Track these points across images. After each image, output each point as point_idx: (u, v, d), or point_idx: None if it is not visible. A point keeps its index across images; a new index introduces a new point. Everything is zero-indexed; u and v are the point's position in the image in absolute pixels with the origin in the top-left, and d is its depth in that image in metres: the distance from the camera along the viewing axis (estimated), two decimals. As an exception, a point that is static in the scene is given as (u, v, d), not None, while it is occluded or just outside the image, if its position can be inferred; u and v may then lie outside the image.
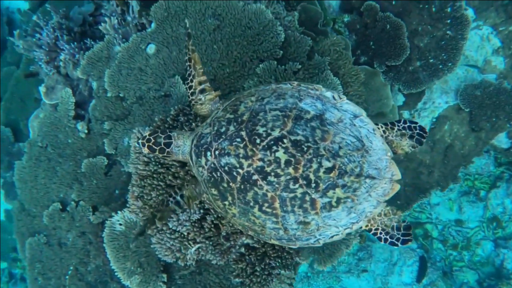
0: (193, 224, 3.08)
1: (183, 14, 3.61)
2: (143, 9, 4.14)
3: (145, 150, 2.64)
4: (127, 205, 3.36)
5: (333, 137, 2.28)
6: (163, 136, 2.63)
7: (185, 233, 3.12)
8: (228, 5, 3.51)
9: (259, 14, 3.46)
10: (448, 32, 4.40)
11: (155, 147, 2.62)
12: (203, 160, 2.43)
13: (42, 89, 4.17)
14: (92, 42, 4.13)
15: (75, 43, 4.05)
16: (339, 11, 4.78)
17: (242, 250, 3.19)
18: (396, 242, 2.55)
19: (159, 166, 3.12)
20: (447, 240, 6.24)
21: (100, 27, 4.00)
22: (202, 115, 2.77)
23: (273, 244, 3.16)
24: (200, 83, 2.68)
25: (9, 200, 5.57)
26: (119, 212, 3.41)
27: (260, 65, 3.44)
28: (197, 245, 3.13)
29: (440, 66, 4.41)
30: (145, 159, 3.17)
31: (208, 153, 2.39)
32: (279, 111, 2.34)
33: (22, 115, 5.61)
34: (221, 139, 2.35)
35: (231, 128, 2.36)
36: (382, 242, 2.57)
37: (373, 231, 2.57)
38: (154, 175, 3.12)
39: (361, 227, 2.49)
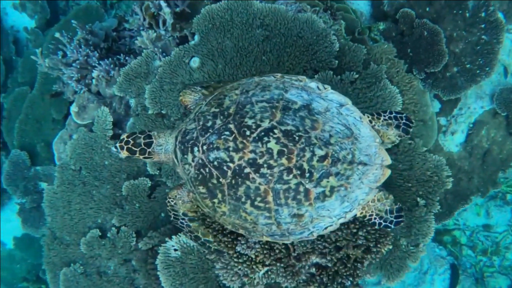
0: (262, 246, 2.90)
1: (229, 26, 3.47)
2: (176, 22, 4.01)
3: (124, 154, 2.52)
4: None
5: (323, 125, 2.27)
6: (142, 136, 2.54)
7: (253, 256, 2.93)
8: (277, 14, 3.40)
9: (311, 23, 3.35)
10: (483, 36, 4.38)
11: (135, 149, 2.52)
12: (189, 157, 2.34)
13: (73, 109, 3.94)
14: (127, 58, 3.94)
15: (110, 59, 3.85)
16: (370, 18, 4.72)
17: (313, 270, 3.01)
18: (390, 225, 2.60)
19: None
20: (476, 246, 6.17)
21: (136, 41, 3.83)
22: (184, 102, 2.73)
23: (343, 261, 3.01)
24: (207, 87, 2.72)
25: (27, 228, 5.23)
26: (173, 236, 3.19)
27: (315, 76, 3.32)
28: (266, 268, 2.95)
29: (478, 71, 4.38)
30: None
31: (195, 149, 2.31)
32: (266, 102, 2.30)
33: (38, 138, 5.32)
34: (208, 133, 2.28)
35: (218, 121, 2.30)
36: (377, 227, 2.62)
37: (367, 217, 2.57)
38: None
39: (355, 215, 2.49)
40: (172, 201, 2.69)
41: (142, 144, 2.53)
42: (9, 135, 5.67)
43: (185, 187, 2.59)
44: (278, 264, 2.92)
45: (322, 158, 2.22)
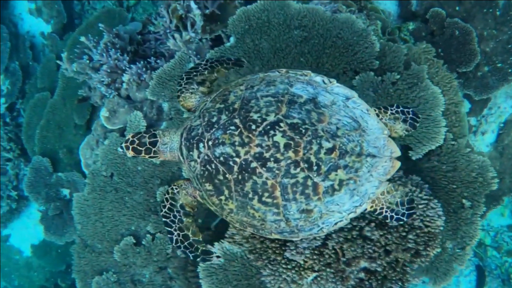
0: (312, 251, 2.83)
1: (266, 27, 3.41)
2: (206, 24, 3.96)
3: (130, 154, 2.50)
4: (226, 235, 3.10)
5: (329, 118, 2.23)
6: (147, 135, 2.51)
7: (302, 262, 2.86)
8: (315, 15, 3.34)
9: (351, 24, 3.30)
10: (514, 35, 4.34)
11: (140, 148, 2.49)
12: (195, 153, 2.29)
13: (104, 114, 3.87)
14: (158, 61, 3.88)
15: (142, 62, 3.78)
16: (397, 19, 4.68)
17: (361, 275, 2.94)
18: (402, 217, 2.49)
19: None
20: (501, 246, 6.11)
21: (168, 44, 3.76)
22: (187, 107, 2.63)
23: (392, 265, 2.94)
24: (203, 81, 2.65)
25: (50, 235, 5.14)
26: (215, 243, 3.12)
27: (357, 77, 3.26)
28: (315, 274, 2.88)
29: (510, 70, 4.33)
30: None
31: (201, 145, 2.26)
32: (271, 97, 2.26)
33: (60, 143, 5.24)
34: (214, 129, 2.24)
35: (223, 117, 2.26)
36: (388, 220, 2.50)
37: (378, 211, 2.47)
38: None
39: (365, 209, 2.39)
40: (176, 189, 2.58)
41: (147, 143, 2.50)
42: (28, 141, 5.59)
43: (191, 183, 2.54)
44: (327, 269, 2.86)
45: (330, 151, 2.16)
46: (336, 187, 2.21)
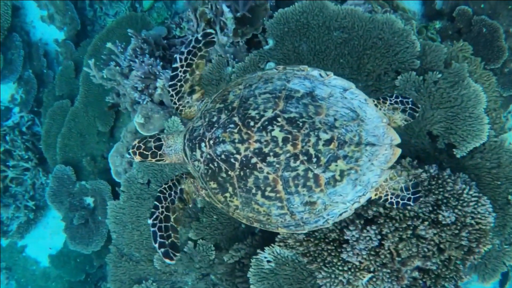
0: (368, 252, 2.82)
1: (305, 29, 3.40)
2: (238, 27, 3.95)
3: (137, 158, 2.55)
4: (277, 239, 3.08)
5: (327, 110, 2.23)
6: (152, 140, 2.57)
7: (357, 263, 2.85)
8: (354, 16, 3.34)
9: (391, 24, 3.30)
10: (539, 31, 4.39)
11: (147, 153, 2.54)
12: (198, 153, 2.33)
13: (138, 120, 3.82)
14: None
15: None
16: (421, 18, 4.70)
17: (416, 274, 2.94)
18: (408, 202, 2.48)
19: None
20: (522, 240, 6.17)
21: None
22: (192, 117, 2.65)
23: (445, 263, 2.95)
24: (191, 87, 2.61)
25: (75, 245, 5.06)
26: (266, 248, 3.10)
27: (399, 77, 3.27)
28: (370, 275, 2.87)
29: (536, 66, 4.39)
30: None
31: (203, 144, 2.30)
32: (269, 93, 2.28)
33: (82, 151, 5.17)
34: (214, 128, 2.28)
35: (223, 116, 2.29)
36: (395, 206, 2.50)
37: (383, 198, 2.49)
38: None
39: (370, 198, 2.38)
40: (184, 176, 2.60)
41: (153, 148, 2.55)
42: (48, 150, 5.51)
43: (198, 182, 2.53)
44: (383, 269, 2.85)
45: (328, 142, 2.17)
46: (338, 177, 2.22)
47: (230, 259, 3.34)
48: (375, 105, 2.46)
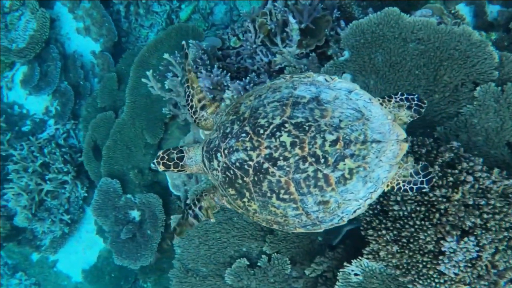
0: (465, 263, 2.78)
1: (380, 40, 3.41)
2: (302, 38, 3.95)
3: (161, 168, 2.77)
4: (365, 252, 3.03)
5: (332, 113, 2.33)
6: (175, 151, 2.77)
7: (453, 275, 2.81)
8: (430, 28, 3.35)
9: (468, 36, 3.31)
10: None
11: (169, 163, 2.76)
12: (215, 163, 2.50)
13: (207, 131, 3.76)
14: (262, 76, 3.83)
15: (247, 78, 3.73)
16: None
17: (510, 287, 2.91)
18: (422, 185, 2.53)
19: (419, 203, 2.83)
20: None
21: (276, 58, 3.72)
22: (209, 129, 2.88)
23: None
24: (199, 101, 2.85)
25: (122, 260, 4.95)
26: (353, 261, 3.04)
27: (477, 88, 3.27)
28: (467, 287, 2.83)
29: None
30: (396, 198, 2.88)
31: (219, 154, 2.46)
32: (277, 102, 2.41)
33: (128, 164, 5.10)
34: (228, 139, 2.42)
35: (235, 127, 2.43)
36: (409, 192, 2.54)
37: (396, 188, 2.54)
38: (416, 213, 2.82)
39: (382, 192, 2.47)
40: (204, 194, 2.86)
41: (175, 159, 2.75)
42: (90, 162, 5.43)
43: (218, 192, 2.74)
44: (480, 282, 2.81)
45: (334, 142, 2.26)
46: (347, 176, 2.29)
47: (312, 272, 3.28)
48: (380, 103, 2.53)
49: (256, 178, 2.34)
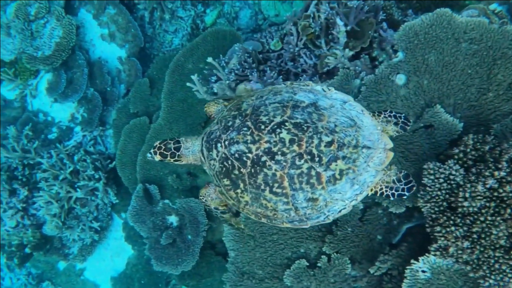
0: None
1: (433, 41, 3.47)
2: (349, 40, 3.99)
3: (158, 158, 2.92)
4: (432, 248, 3.07)
5: (328, 118, 2.54)
6: (172, 142, 2.93)
7: (526, 271, 2.86)
8: (482, 28, 3.42)
9: (520, 35, 3.40)
10: None
11: (166, 153, 2.90)
12: (214, 153, 2.65)
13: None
14: (307, 78, 3.86)
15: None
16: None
17: None
18: (403, 193, 2.77)
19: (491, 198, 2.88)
20: None
21: (328, 60, 3.76)
22: (209, 113, 3.09)
23: None
24: (228, 99, 3.13)
25: (162, 266, 4.91)
26: (421, 258, 3.08)
27: (532, 86, 3.35)
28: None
29: None
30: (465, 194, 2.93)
31: (219, 145, 2.62)
32: (278, 103, 2.61)
33: (165, 169, 5.08)
34: (229, 131, 2.59)
35: (237, 121, 2.61)
36: (391, 198, 2.77)
37: (378, 193, 2.76)
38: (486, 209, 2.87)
39: (366, 196, 2.66)
40: (202, 198, 3.04)
41: (172, 149, 2.89)
42: (123, 169, 5.40)
43: (211, 184, 2.91)
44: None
45: (329, 144, 2.45)
46: (337, 176, 2.48)
47: (377, 271, 3.31)
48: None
49: (252, 170, 2.51)
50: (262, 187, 2.52)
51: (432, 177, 3.09)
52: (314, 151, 2.45)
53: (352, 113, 2.64)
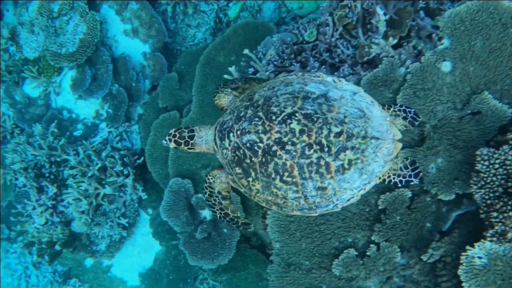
0: None
1: (479, 27, 3.45)
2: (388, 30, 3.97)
3: (172, 145, 2.98)
4: (488, 235, 3.07)
5: (338, 109, 2.58)
6: (186, 130, 2.99)
7: None
8: (528, 13, 3.41)
9: None
10: None
11: (180, 141, 2.97)
12: (226, 142, 2.73)
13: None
14: (349, 69, 3.84)
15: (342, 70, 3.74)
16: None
17: None
18: (411, 179, 2.79)
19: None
20: None
21: (371, 49, 3.74)
22: (221, 105, 3.08)
23: None
24: (237, 87, 3.05)
25: (198, 260, 4.90)
26: (477, 244, 3.08)
27: None
28: None
29: None
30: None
31: (231, 134, 2.69)
32: (289, 94, 2.66)
33: (198, 163, 5.07)
34: (241, 121, 2.66)
35: (249, 111, 2.68)
36: (399, 185, 2.80)
37: (386, 181, 2.80)
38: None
39: (375, 185, 2.71)
40: (211, 179, 3.04)
41: (186, 137, 2.95)
42: (154, 164, 5.39)
43: (224, 170, 2.94)
44: None
45: (338, 134, 2.50)
46: (346, 166, 2.53)
47: (430, 258, 3.31)
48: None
49: (263, 159, 2.57)
50: (273, 176, 2.58)
51: (486, 163, 3.08)
52: (324, 142, 2.50)
53: (362, 104, 2.67)
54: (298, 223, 3.71)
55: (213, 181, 3.04)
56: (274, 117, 2.56)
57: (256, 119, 2.60)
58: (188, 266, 5.96)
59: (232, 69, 4.17)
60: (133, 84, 6.05)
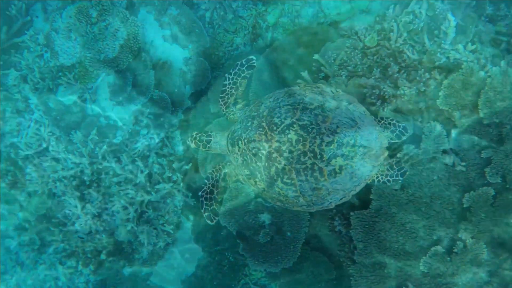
0: None
1: (552, 33, 3.68)
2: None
3: (193, 145, 3.81)
4: None
5: (332, 119, 3.04)
6: (205, 135, 3.72)
7: None
8: None
9: None
10: None
11: (199, 143, 3.75)
12: (236, 148, 3.36)
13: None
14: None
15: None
16: None
17: None
18: (397, 178, 3.36)
19: None
20: None
21: (449, 55, 3.90)
22: (234, 120, 3.72)
23: None
24: (235, 99, 3.79)
25: (260, 264, 4.91)
26: None
27: None
28: None
29: None
30: None
31: (240, 142, 3.31)
32: (290, 105, 3.15)
33: (256, 168, 5.08)
34: (248, 131, 3.23)
35: (255, 122, 3.24)
36: (388, 184, 3.36)
37: (376, 181, 3.33)
38: None
39: (363, 186, 3.24)
40: (228, 164, 3.75)
41: (204, 141, 3.71)
42: (206, 170, 5.35)
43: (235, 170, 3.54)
44: None
45: (330, 143, 2.97)
46: (337, 170, 3.00)
47: (519, 253, 3.48)
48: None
49: (266, 164, 3.10)
50: (275, 178, 3.10)
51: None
52: (317, 150, 2.97)
53: (355, 114, 3.08)
54: (383, 223, 3.81)
55: (228, 165, 3.61)
56: (275, 128, 3.07)
57: (260, 129, 3.13)
58: (233, 271, 5.96)
59: (305, 74, 4.23)
60: (176, 90, 6.01)
